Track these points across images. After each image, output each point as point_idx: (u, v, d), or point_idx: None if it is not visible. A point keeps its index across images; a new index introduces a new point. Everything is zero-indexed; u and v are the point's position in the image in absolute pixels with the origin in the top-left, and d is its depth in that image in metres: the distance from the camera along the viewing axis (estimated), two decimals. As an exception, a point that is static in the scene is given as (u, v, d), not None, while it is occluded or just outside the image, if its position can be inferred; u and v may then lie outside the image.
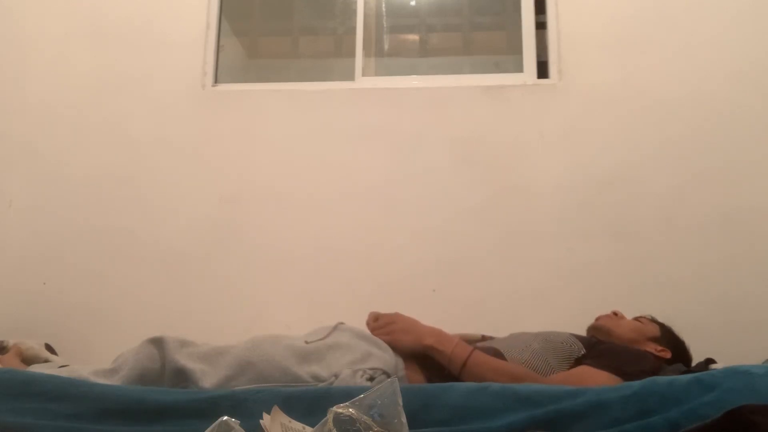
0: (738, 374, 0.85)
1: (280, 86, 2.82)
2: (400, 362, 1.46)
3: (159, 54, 2.82)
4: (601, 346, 1.56)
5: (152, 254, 2.60)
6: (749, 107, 2.50)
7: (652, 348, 1.65)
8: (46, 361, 2.05)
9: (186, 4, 2.88)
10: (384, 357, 1.43)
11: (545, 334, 1.62)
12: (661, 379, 0.90)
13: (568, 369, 1.50)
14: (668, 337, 1.73)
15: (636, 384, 0.89)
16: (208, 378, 1.27)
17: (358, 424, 0.66)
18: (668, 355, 1.65)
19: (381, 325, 1.54)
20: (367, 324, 1.59)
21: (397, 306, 1.69)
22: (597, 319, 1.81)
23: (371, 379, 1.35)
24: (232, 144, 2.69)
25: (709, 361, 1.72)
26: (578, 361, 1.51)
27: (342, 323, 1.59)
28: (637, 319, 1.83)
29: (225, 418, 0.68)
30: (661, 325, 1.77)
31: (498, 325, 2.08)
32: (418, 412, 0.83)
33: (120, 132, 2.75)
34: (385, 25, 3.11)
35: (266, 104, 2.73)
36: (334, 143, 2.64)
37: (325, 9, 3.23)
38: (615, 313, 1.82)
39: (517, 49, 2.78)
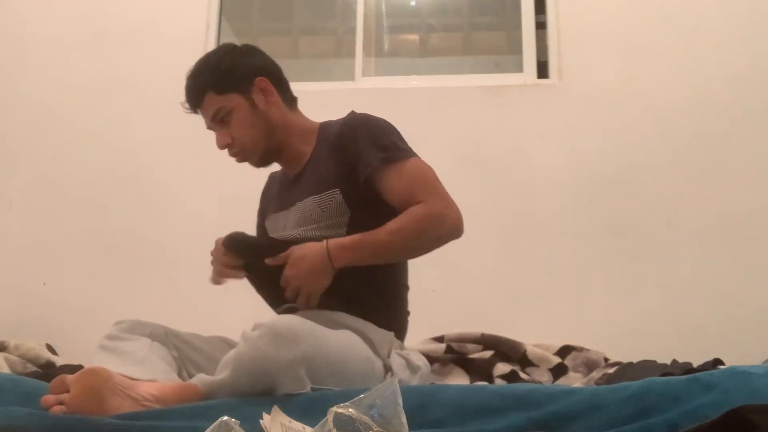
0: (736, 374, 0.85)
1: (280, 86, 2.81)
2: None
3: (159, 54, 2.81)
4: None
5: (152, 254, 2.60)
6: (749, 107, 2.50)
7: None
8: (48, 361, 2.05)
9: (186, 4, 2.88)
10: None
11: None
12: (659, 379, 0.90)
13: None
14: None
15: (634, 384, 0.89)
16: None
17: (358, 424, 0.66)
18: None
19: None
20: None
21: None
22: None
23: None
24: (232, 144, 2.68)
25: (717, 361, 1.71)
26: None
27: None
28: None
29: (225, 418, 0.68)
30: None
31: (498, 325, 2.09)
32: (415, 411, 0.83)
33: (120, 132, 2.75)
34: (385, 25, 3.11)
35: (266, 104, 2.73)
36: (334, 143, 2.64)
37: (325, 9, 3.23)
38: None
39: (517, 49, 2.78)
